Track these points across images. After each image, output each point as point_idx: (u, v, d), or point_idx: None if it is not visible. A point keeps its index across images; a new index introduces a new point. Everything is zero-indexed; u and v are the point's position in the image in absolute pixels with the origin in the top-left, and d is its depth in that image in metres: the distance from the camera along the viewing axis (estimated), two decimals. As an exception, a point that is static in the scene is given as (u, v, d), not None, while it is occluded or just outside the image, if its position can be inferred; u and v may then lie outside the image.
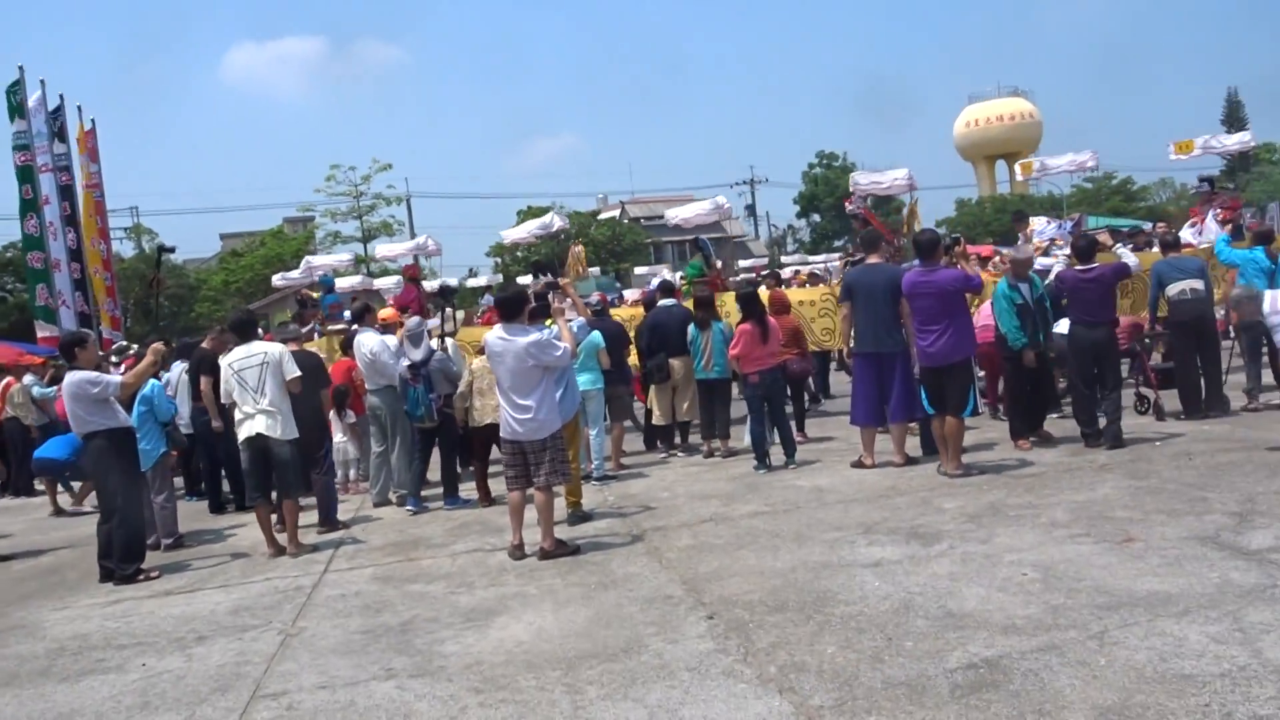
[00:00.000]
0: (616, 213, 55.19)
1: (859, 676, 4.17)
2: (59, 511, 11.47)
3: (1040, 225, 16.41)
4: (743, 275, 22.00)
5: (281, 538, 7.85)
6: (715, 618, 5.16)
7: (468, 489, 9.41)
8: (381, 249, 20.70)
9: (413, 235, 43.62)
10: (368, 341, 9.38)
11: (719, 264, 15.08)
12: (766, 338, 9.32)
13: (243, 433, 7.86)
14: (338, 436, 10.15)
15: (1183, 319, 9.42)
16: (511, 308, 7.09)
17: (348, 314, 14.24)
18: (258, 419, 7.74)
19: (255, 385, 7.73)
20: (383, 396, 9.36)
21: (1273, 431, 8.05)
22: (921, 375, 8.39)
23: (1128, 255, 9.55)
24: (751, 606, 5.27)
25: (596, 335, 9.14)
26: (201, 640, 5.76)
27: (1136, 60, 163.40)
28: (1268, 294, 7.93)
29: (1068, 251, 11.81)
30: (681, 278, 14.48)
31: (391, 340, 9.39)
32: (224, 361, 8.04)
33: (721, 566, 6.11)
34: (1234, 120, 66.41)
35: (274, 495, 7.94)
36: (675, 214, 16.12)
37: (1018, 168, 15.73)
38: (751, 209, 60.42)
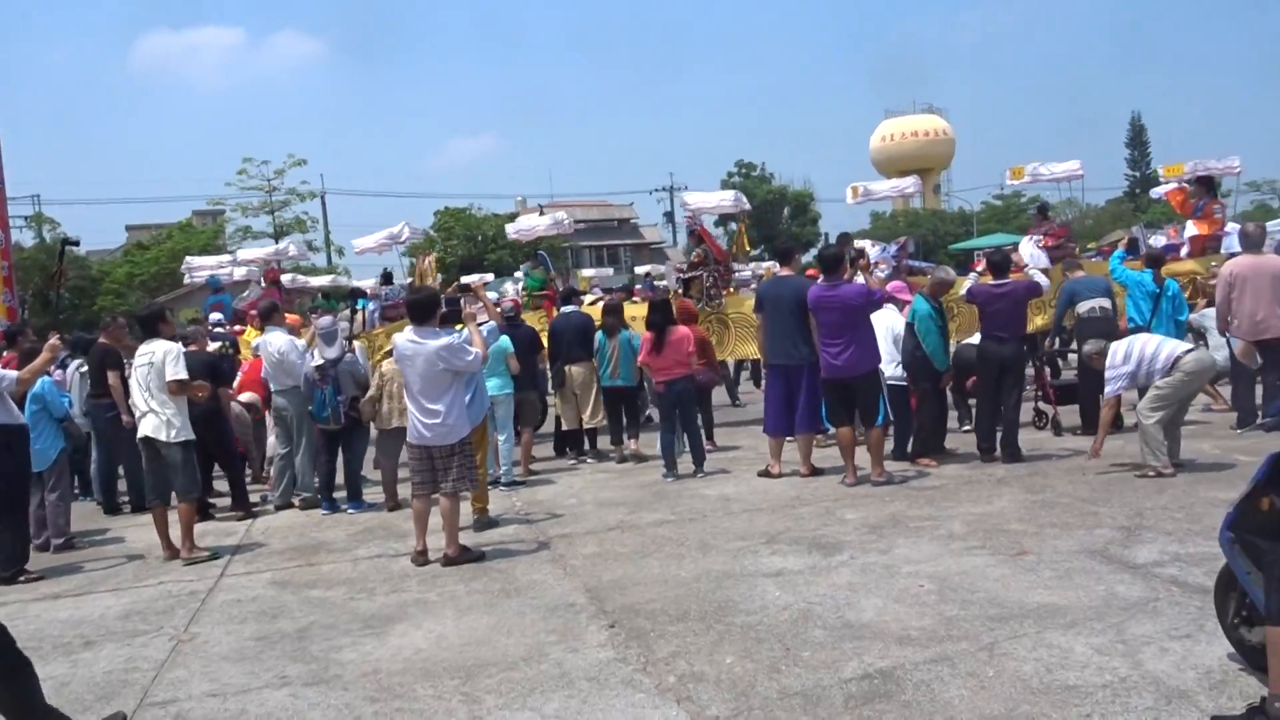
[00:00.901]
0: (535, 215, 54.95)
1: (756, 687, 4.21)
2: None
3: (866, 247, 16.80)
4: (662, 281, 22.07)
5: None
6: (617, 626, 5.15)
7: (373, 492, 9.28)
8: (243, 253, 19.81)
9: (326, 233, 42.94)
10: (275, 341, 9.16)
11: (556, 277, 15.56)
12: (663, 347, 9.32)
13: (139, 431, 7.67)
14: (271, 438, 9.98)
15: (1091, 336, 9.68)
16: (423, 310, 6.98)
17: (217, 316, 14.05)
18: (147, 419, 7.56)
19: (144, 384, 7.53)
20: (289, 397, 9.15)
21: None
22: (825, 388, 8.50)
23: (1038, 275, 9.81)
24: (654, 615, 5.28)
25: (506, 340, 9.09)
26: (89, 645, 5.56)
27: (1048, 83, 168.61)
28: (1111, 346, 8.13)
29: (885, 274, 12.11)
30: (522, 289, 14.68)
31: (300, 340, 9.20)
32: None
33: (626, 575, 6.11)
34: (1137, 143, 69.07)
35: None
36: (695, 200, 15.82)
37: (1007, 173, 16.18)
38: (670, 216, 60.73)
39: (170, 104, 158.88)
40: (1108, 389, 7.92)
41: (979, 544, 6.16)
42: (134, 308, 34.56)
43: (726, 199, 15.96)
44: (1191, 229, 13.54)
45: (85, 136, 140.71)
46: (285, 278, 17.65)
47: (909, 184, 17.15)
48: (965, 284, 10.00)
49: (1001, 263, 9.15)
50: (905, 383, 9.13)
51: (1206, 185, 14.13)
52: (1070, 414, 10.04)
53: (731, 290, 13.37)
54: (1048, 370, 11.17)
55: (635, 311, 12.03)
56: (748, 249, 15.02)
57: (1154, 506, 6.74)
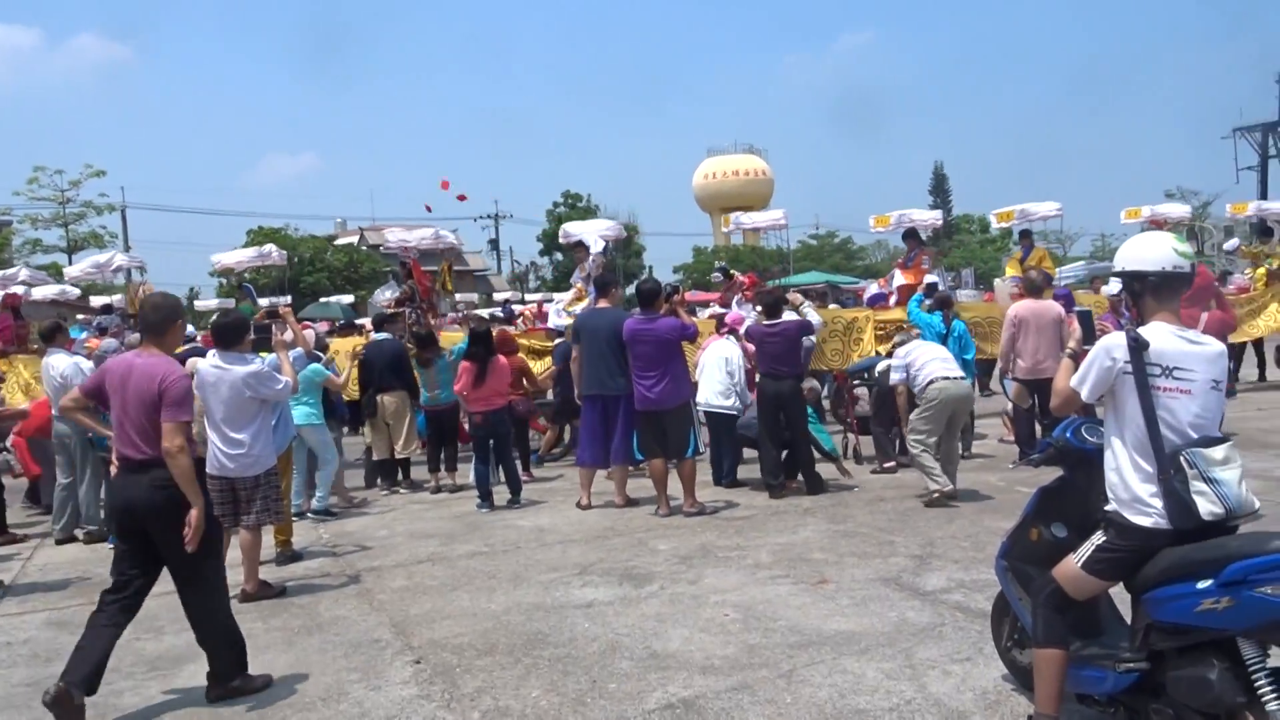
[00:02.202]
0: (355, 239, 53.64)
1: (560, 720, 4.19)
2: None
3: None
4: (483, 310, 21.91)
5: None
6: (422, 662, 5.05)
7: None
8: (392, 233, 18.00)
9: (126, 248, 40.53)
10: (58, 364, 8.58)
11: (261, 309, 15.44)
12: (486, 377, 9.28)
13: None
14: None
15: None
16: (230, 335, 6.67)
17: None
18: None
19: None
20: (71, 424, 8.55)
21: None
22: (639, 420, 8.61)
23: (812, 313, 10.24)
24: (461, 650, 5.19)
25: (316, 366, 8.82)
26: None
27: (862, 129, 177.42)
28: (903, 346, 8.99)
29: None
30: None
31: (86, 364, 8.65)
32: None
33: (435, 608, 6.00)
34: (939, 190, 73.50)
35: None
36: (573, 228, 15.73)
37: (992, 217, 17.12)
38: (495, 244, 60.47)
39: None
40: (890, 379, 9.00)
41: (783, 573, 6.35)
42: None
43: (426, 236, 15.95)
44: (899, 278, 14.35)
45: None
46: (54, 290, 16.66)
47: (779, 216, 17.87)
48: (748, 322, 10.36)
49: (775, 303, 9.49)
50: (736, 412, 9.37)
51: (915, 237, 15.09)
52: (870, 444, 10.49)
53: (436, 324, 13.33)
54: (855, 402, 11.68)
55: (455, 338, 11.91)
56: (449, 287, 15.39)
57: (944, 536, 7.13)
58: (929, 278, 13.72)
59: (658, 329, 8.39)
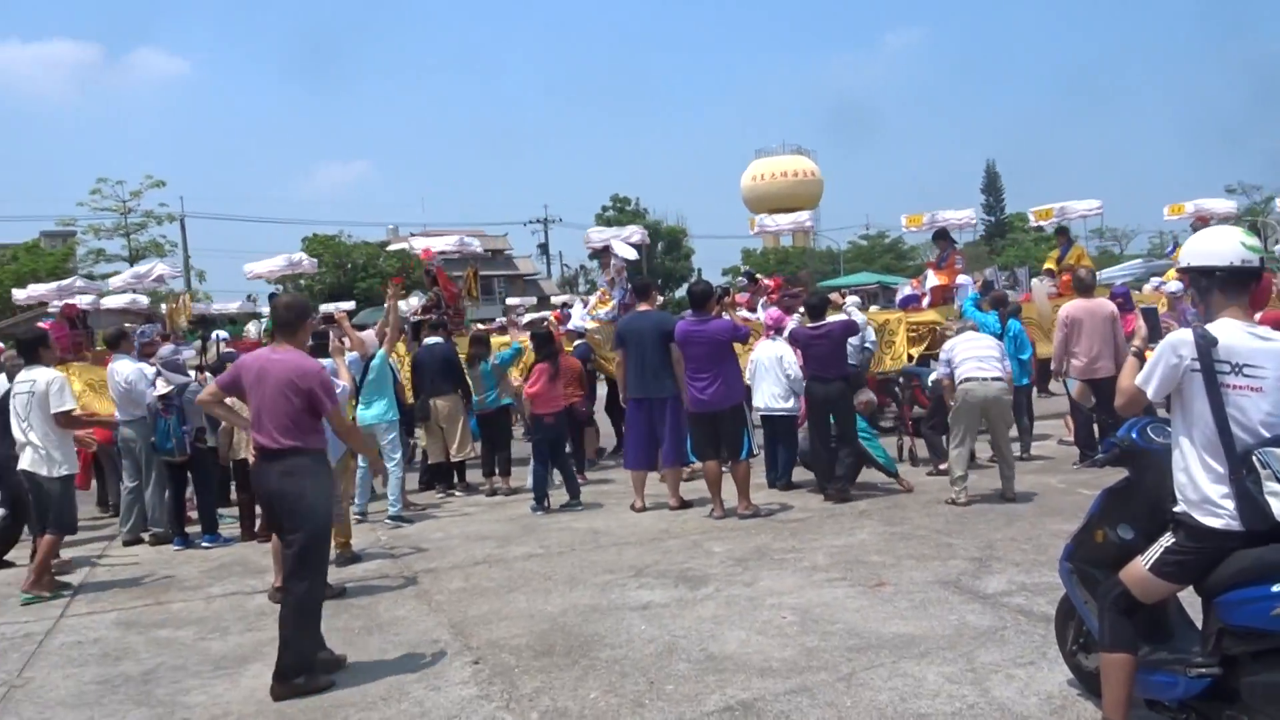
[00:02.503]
0: (407, 245, 54.18)
1: (619, 721, 4.20)
2: None
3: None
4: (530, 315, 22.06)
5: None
6: (481, 663, 5.08)
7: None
8: (254, 265, 18.32)
9: (186, 257, 41.39)
10: (123, 369, 8.77)
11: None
12: (557, 376, 9.40)
13: (19, 464, 7.27)
14: None
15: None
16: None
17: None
18: (25, 453, 7.15)
19: (24, 415, 7.11)
20: (136, 428, 8.75)
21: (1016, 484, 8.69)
22: (692, 421, 8.60)
23: (857, 314, 10.16)
24: (519, 651, 5.22)
25: (381, 353, 8.97)
26: (-94, 694, 5.18)
27: (909, 127, 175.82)
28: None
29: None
30: (265, 331, 14.55)
31: (149, 369, 8.83)
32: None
33: (492, 610, 6.04)
34: (992, 188, 72.57)
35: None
36: (599, 234, 15.93)
37: (1030, 214, 16.83)
38: (544, 248, 60.82)
39: (17, 119, 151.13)
40: (933, 375, 9.03)
41: (840, 575, 6.31)
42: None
43: (451, 243, 16.31)
44: (933, 279, 14.04)
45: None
46: (125, 299, 17.01)
47: (805, 218, 17.69)
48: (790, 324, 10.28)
49: (819, 305, 9.42)
50: (795, 414, 9.33)
51: (947, 237, 14.80)
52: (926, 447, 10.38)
53: (464, 332, 13.40)
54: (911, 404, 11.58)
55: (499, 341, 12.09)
56: (475, 294, 15.51)
57: (1003, 538, 7.03)
58: (961, 278, 13.53)
59: (710, 330, 8.38)
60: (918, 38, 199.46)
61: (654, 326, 8.78)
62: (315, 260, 18.08)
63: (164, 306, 16.28)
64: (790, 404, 9.35)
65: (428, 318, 13.05)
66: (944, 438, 9.79)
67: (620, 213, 60.10)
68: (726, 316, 8.77)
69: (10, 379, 8.09)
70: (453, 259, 15.94)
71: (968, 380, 8.29)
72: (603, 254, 14.32)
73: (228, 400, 5.50)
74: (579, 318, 13.35)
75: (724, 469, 8.53)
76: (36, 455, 7.13)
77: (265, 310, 17.50)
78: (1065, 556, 4.16)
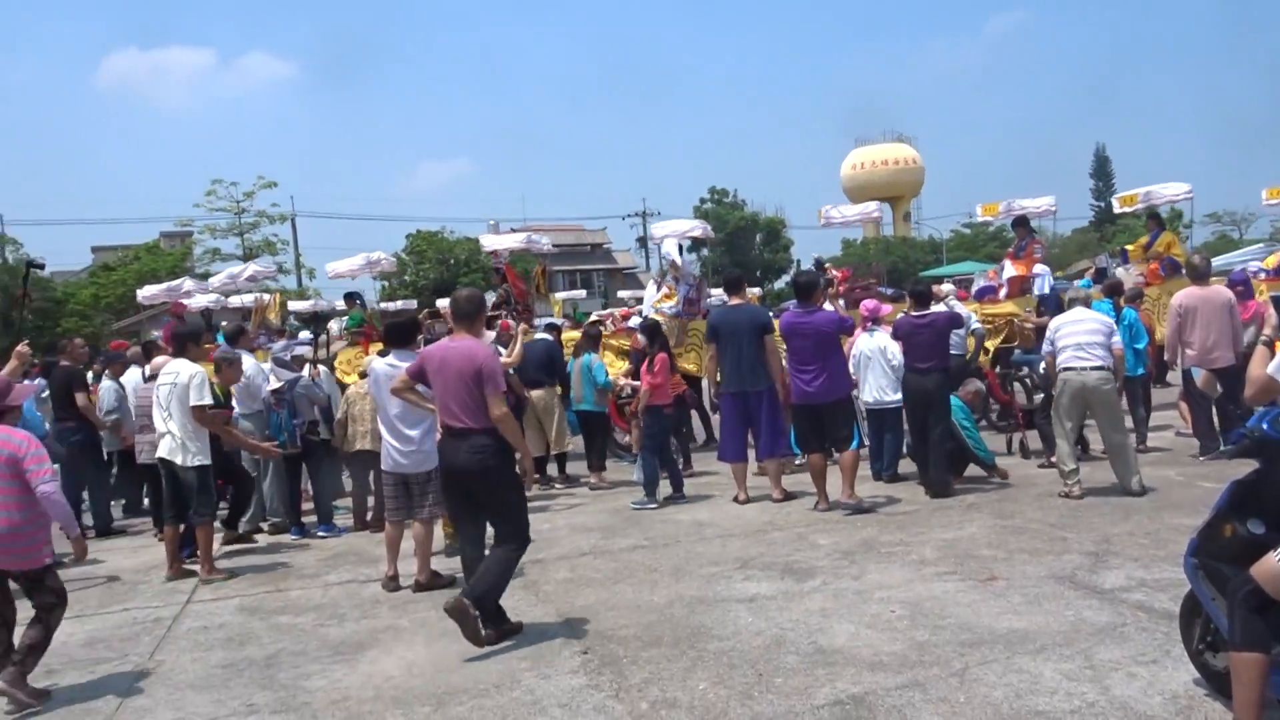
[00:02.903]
0: (480, 244, 54.91)
1: (729, 713, 4.21)
2: None
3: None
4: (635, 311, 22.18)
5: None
6: (589, 652, 5.14)
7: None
8: (336, 265, 19.09)
9: (297, 255, 42.67)
10: (243, 364, 9.09)
11: (372, 314, 15.78)
12: (675, 367, 9.51)
13: (156, 452, 7.65)
14: None
15: None
16: (402, 334, 6.98)
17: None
18: (163, 441, 7.51)
19: (165, 405, 7.47)
20: (254, 421, 9.05)
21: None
22: (796, 413, 8.53)
23: (958, 305, 9.94)
24: (626, 641, 5.27)
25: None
26: (50, 674, 5.46)
27: (1015, 112, 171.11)
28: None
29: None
30: (344, 329, 14.70)
31: (265, 365, 9.15)
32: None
33: (599, 600, 6.10)
34: (1102, 173, 70.18)
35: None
36: (660, 229, 16.16)
37: (978, 208, 16.26)
38: (643, 241, 60.94)
39: (137, 124, 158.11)
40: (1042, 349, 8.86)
41: (950, 569, 6.20)
42: (99, 329, 34.28)
43: (519, 241, 16.39)
44: (1010, 269, 13.51)
45: (50, 156, 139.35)
46: (266, 296, 17.60)
47: (873, 208, 17.28)
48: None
49: (924, 294, 9.23)
50: (901, 405, 9.22)
51: (1025, 225, 14.19)
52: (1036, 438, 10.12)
53: (532, 328, 13.44)
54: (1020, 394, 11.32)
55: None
56: (544, 290, 15.57)
57: (1120, 532, 6.81)
58: (1039, 268, 13.06)
59: (816, 322, 8.29)
60: (1020, 20, 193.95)
61: (749, 320, 8.76)
62: (393, 259, 18.43)
63: (264, 298, 16.75)
64: (898, 395, 9.21)
65: (498, 314, 13.24)
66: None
67: (718, 204, 60.02)
68: (831, 307, 8.66)
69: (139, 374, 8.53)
70: (551, 254, 16.03)
71: (1066, 370, 8.04)
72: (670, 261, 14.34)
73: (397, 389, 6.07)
74: (648, 311, 13.37)
75: (830, 461, 8.43)
76: (173, 444, 7.46)
77: (340, 306, 17.92)
78: (1190, 552, 4.01)
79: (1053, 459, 9.23)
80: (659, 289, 13.54)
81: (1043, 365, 9.37)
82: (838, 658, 4.77)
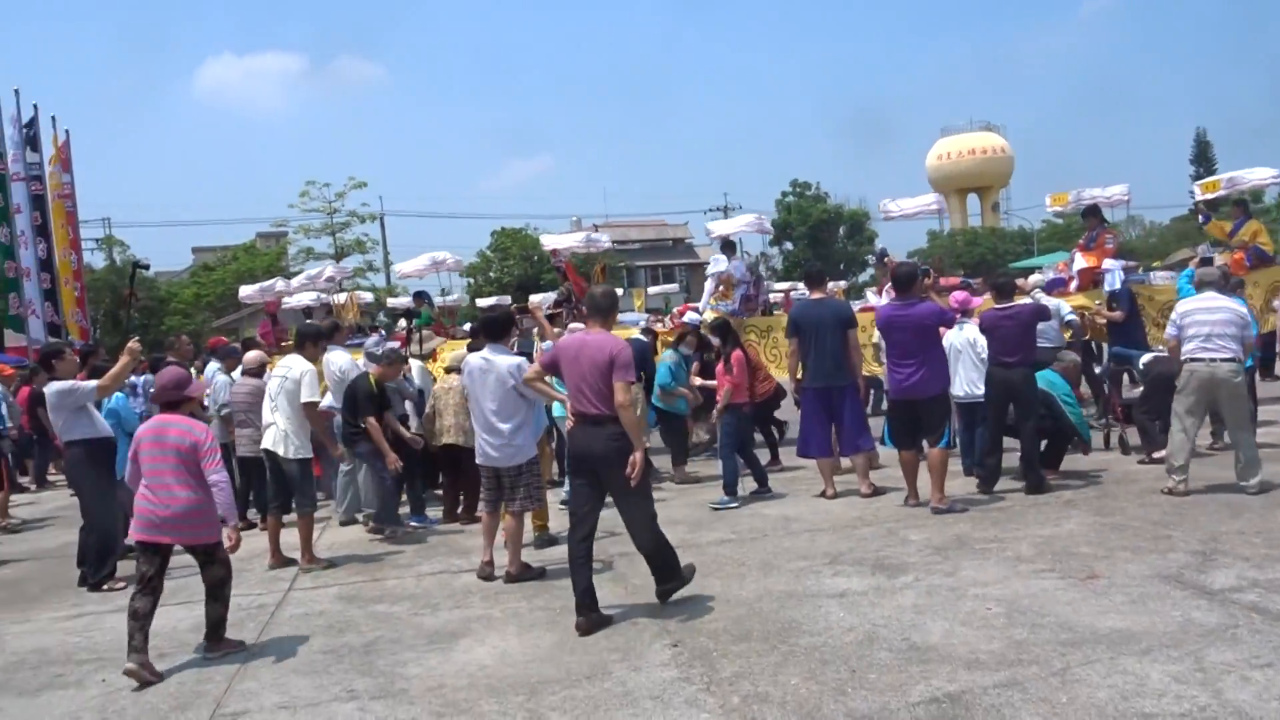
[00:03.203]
0: (541, 242, 55.28)
1: (822, 709, 4.17)
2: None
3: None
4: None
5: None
6: (680, 645, 5.14)
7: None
8: (403, 265, 19.70)
9: (385, 253, 43.55)
10: (337, 360, 9.32)
11: (440, 313, 16.23)
12: (753, 365, 9.45)
13: (262, 443, 7.94)
14: None
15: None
16: (496, 329, 7.09)
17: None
18: (269, 432, 7.76)
19: (274, 398, 7.72)
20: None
21: (1227, 470, 8.10)
22: (892, 408, 8.39)
23: (1045, 297, 9.67)
24: (716, 635, 5.26)
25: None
26: (163, 657, 5.67)
27: (1108, 98, 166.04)
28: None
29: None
30: (415, 326, 14.71)
31: (360, 359, 9.35)
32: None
33: (687, 594, 6.08)
34: (1203, 159, 67.61)
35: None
36: (716, 227, 16.26)
37: (1047, 198, 15.71)
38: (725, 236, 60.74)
39: (234, 128, 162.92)
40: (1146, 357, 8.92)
41: (1047, 567, 6.06)
42: (201, 327, 35.43)
43: (577, 241, 16.65)
44: (1081, 261, 12.94)
45: (153, 161, 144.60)
46: (341, 296, 17.99)
47: (932, 200, 16.58)
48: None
49: (1007, 286, 8.98)
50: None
51: (1097, 215, 13.60)
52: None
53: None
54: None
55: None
56: (600, 286, 15.53)
57: (1229, 531, 6.57)
58: (1109, 262, 12.53)
59: (917, 314, 8.02)
60: (1113, 3, 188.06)
61: (832, 314, 8.66)
62: (459, 259, 18.62)
63: (340, 298, 17.15)
64: (980, 390, 9.01)
65: (558, 311, 13.31)
66: (1157, 423, 9.21)
67: (800, 197, 59.50)
68: (934, 299, 8.43)
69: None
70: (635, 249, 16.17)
71: (1193, 360, 7.70)
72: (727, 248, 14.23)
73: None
74: (705, 308, 13.29)
75: (920, 458, 8.29)
76: (278, 435, 7.71)
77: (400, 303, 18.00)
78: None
79: (1155, 454, 8.96)
80: (716, 286, 13.47)
81: (1144, 360, 9.10)
82: (932, 655, 4.69)
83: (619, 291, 15.73)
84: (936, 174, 72.28)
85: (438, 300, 19.64)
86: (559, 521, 8.40)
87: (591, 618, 5.55)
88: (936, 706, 4.10)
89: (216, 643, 5.72)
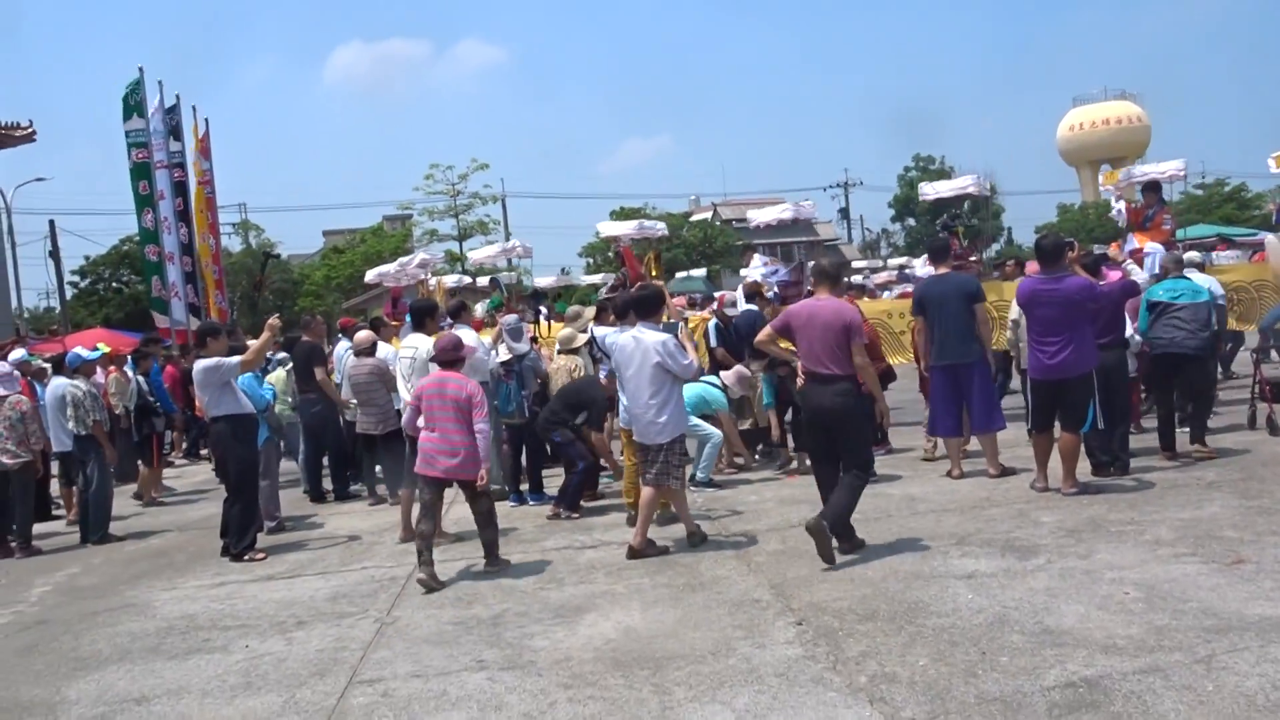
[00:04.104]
0: (709, 215, 55.12)
1: (952, 690, 4.10)
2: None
3: (757, 262, 16.41)
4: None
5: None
6: (804, 624, 5.12)
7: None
8: (474, 253, 20.84)
9: (507, 234, 44.23)
10: (464, 339, 9.51)
11: (509, 298, 16.02)
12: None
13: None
14: None
15: None
16: (647, 307, 7.19)
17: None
18: (409, 410, 7.99)
19: (408, 376, 7.97)
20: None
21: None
22: (1034, 389, 7.97)
23: (1138, 272, 9.18)
24: (841, 614, 5.22)
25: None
26: (301, 625, 5.94)
27: (1253, 63, 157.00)
28: None
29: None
30: (486, 310, 14.74)
31: (486, 338, 9.54)
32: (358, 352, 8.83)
33: (810, 573, 6.06)
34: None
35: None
36: (757, 216, 16.37)
37: (1101, 175, 15.02)
38: (845, 212, 59.84)
39: (362, 112, 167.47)
40: None
41: (1189, 551, 5.81)
42: (331, 308, 36.67)
43: (630, 230, 17.68)
44: (1133, 242, 12.12)
45: (285, 147, 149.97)
46: (451, 279, 18.41)
47: (968, 182, 15.29)
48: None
49: (1093, 264, 8.50)
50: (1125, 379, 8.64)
51: (1156, 191, 12.70)
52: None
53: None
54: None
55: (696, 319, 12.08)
56: (655, 273, 16.01)
57: (1390, 516, 6.20)
58: (1150, 246, 11.67)
59: (1066, 289, 7.51)
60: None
61: (956, 289, 8.42)
62: (529, 245, 18.77)
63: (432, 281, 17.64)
64: (1129, 367, 8.67)
65: (613, 296, 13.23)
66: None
67: (924, 172, 58.08)
68: (1081, 273, 7.97)
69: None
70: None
71: None
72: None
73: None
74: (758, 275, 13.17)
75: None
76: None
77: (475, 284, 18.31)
78: None
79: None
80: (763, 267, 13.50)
81: None
82: (1067, 639, 4.56)
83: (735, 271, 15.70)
84: (1068, 145, 69.76)
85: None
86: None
87: (852, 542, 6.40)
88: (1073, 691, 3.98)
89: (493, 560, 6.85)
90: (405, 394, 8.02)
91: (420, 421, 6.84)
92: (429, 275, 17.01)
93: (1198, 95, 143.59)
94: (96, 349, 10.64)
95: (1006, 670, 4.26)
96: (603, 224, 17.98)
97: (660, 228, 18.28)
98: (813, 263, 12.14)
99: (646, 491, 6.91)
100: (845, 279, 8.62)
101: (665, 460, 6.87)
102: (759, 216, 16.62)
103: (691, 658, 4.78)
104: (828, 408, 6.35)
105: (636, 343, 6.91)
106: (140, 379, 12.24)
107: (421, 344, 7.96)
